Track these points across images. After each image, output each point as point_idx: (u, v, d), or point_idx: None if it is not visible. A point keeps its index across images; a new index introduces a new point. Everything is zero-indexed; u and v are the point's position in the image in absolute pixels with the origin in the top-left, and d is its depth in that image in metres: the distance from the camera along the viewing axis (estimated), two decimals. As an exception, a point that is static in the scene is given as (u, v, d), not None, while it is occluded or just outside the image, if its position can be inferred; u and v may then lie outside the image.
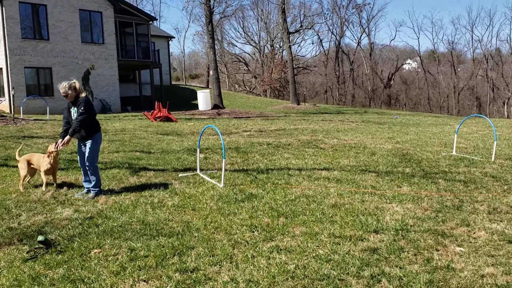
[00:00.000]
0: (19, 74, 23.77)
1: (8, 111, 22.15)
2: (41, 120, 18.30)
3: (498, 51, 63.10)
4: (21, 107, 21.12)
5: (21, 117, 19.10)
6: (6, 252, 4.61)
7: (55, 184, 7.12)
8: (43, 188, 7.00)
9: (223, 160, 7.40)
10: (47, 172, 7.00)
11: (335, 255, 4.45)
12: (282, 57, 56.65)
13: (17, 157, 7.35)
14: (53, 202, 6.40)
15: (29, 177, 7.38)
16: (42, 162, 7.01)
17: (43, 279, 4.00)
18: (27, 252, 4.57)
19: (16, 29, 23.49)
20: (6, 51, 23.29)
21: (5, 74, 23.56)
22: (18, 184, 7.17)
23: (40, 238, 4.62)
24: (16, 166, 8.65)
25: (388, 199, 6.48)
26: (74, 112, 6.46)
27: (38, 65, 24.58)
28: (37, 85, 24.86)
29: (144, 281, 3.97)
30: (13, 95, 19.37)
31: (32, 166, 7.17)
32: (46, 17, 24.74)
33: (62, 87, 6.43)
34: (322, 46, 65.81)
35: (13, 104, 19.40)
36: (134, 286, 3.89)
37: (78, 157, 6.79)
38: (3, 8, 23.02)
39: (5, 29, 23.10)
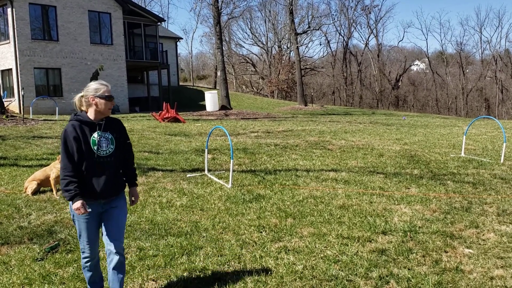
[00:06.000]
0: (29, 74, 23.95)
1: (17, 111, 22.33)
2: (50, 120, 18.44)
3: (507, 52, 62.53)
4: (30, 108, 21.29)
5: (31, 117, 19.27)
6: (17, 250, 4.66)
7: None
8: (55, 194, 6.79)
9: (231, 160, 7.42)
10: (57, 180, 6.80)
11: (343, 256, 4.45)
12: (289, 58, 56.59)
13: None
14: (63, 201, 6.46)
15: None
16: (51, 170, 6.81)
17: (53, 278, 4.04)
18: (38, 253, 4.61)
19: (26, 30, 23.68)
20: (16, 52, 23.48)
21: (14, 75, 23.76)
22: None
23: (47, 248, 4.65)
24: (26, 166, 8.73)
25: (396, 200, 6.47)
26: (107, 140, 3.49)
27: (48, 65, 24.76)
28: (46, 86, 25.04)
29: (153, 280, 4.00)
30: (22, 96, 19.54)
31: (39, 183, 6.90)
32: (55, 18, 24.92)
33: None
34: (330, 47, 65.64)
35: (23, 105, 19.56)
36: (143, 285, 3.92)
37: (91, 235, 3.57)
38: (13, 9, 23.22)
39: (15, 30, 23.30)
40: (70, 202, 3.36)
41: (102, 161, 3.43)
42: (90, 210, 3.36)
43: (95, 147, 3.41)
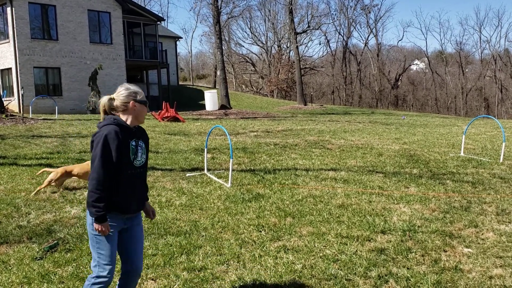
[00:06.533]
0: (28, 74, 23.93)
1: (17, 110, 22.31)
2: (49, 119, 18.42)
3: (506, 51, 62.54)
4: (30, 107, 21.27)
5: (30, 116, 19.24)
6: (16, 250, 4.66)
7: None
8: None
9: (231, 160, 7.42)
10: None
11: (342, 255, 4.45)
12: (289, 57, 56.57)
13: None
14: (62, 201, 6.46)
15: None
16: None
17: (52, 277, 4.04)
18: (37, 252, 4.62)
19: (25, 29, 23.66)
20: (15, 51, 23.47)
21: (14, 74, 23.74)
22: (27, 183, 7.21)
23: (46, 248, 4.66)
24: (26, 165, 8.71)
25: (395, 199, 6.47)
26: (141, 149, 3.18)
27: (47, 65, 24.74)
28: (46, 85, 25.03)
29: (152, 279, 4.00)
30: (22, 95, 19.53)
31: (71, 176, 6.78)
32: (55, 17, 24.90)
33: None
34: (329, 47, 65.83)
35: (22, 104, 19.56)
36: (142, 285, 3.92)
37: (114, 254, 3.15)
38: (13, 8, 23.20)
39: (15, 29, 23.28)
40: (92, 218, 2.99)
41: (136, 172, 3.09)
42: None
43: (132, 156, 3.05)
